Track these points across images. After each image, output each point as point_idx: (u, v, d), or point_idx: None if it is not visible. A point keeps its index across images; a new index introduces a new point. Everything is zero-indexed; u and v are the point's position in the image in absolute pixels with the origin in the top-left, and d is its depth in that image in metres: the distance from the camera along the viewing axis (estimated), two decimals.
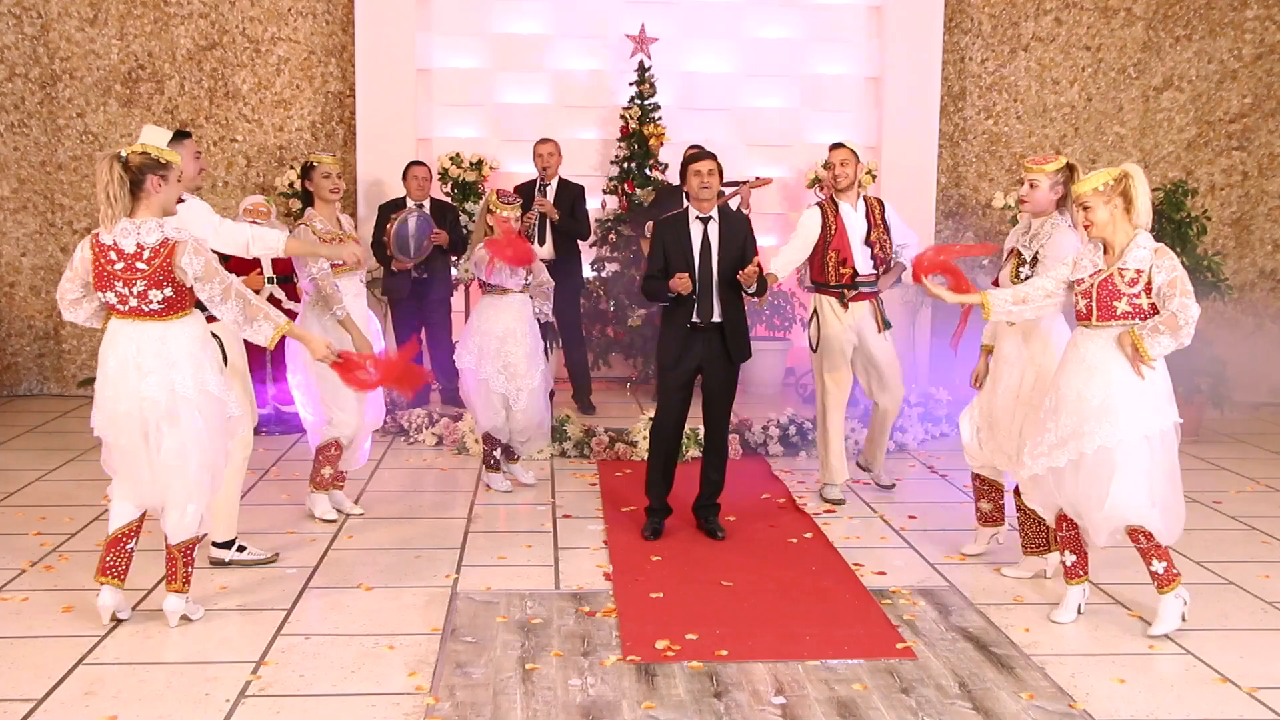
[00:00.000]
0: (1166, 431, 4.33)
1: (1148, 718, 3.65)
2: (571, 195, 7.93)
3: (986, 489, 5.24)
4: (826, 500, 6.23)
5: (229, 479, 4.80)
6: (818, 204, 6.19)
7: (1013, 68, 9.60)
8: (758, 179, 8.19)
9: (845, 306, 6.11)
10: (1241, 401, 8.45)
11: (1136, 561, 5.14)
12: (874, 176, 8.93)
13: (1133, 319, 4.24)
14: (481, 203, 6.48)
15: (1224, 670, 4.01)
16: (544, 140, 7.96)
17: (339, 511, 5.90)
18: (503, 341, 6.15)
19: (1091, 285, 4.30)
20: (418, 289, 7.92)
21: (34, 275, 9.19)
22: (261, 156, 9.18)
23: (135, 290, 4.10)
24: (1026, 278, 4.79)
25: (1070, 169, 4.84)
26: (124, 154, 4.10)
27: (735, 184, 8.30)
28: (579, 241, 8.04)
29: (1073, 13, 9.55)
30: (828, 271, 6.09)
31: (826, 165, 6.18)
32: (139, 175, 4.11)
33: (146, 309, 4.14)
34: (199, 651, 4.07)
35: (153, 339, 4.16)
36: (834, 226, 6.06)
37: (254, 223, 7.65)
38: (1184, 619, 4.35)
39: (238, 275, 7.53)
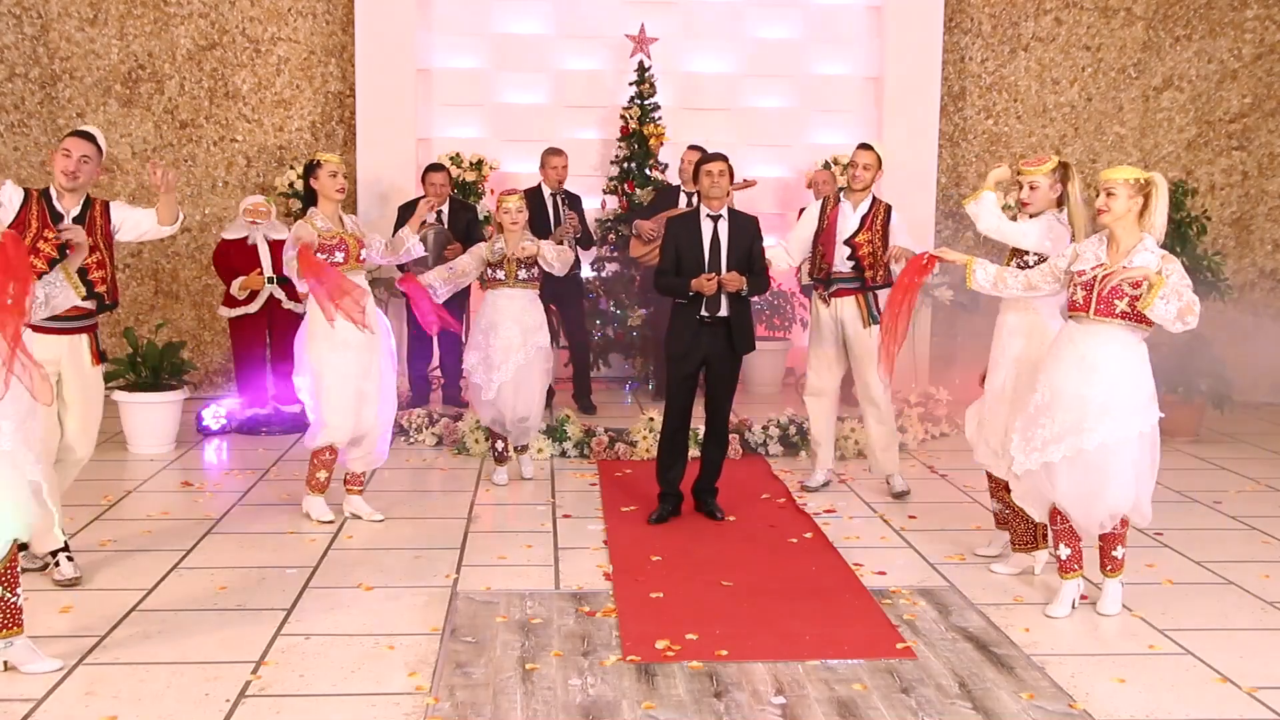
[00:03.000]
0: (1155, 426, 4.43)
1: (1148, 718, 3.65)
2: (573, 205, 7.99)
3: (996, 487, 5.21)
4: (806, 489, 6.44)
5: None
6: (824, 198, 6.37)
7: (1013, 68, 9.60)
8: (744, 180, 8.19)
9: (826, 302, 6.24)
10: (1241, 401, 8.45)
11: (1137, 561, 5.13)
12: None
13: (1132, 319, 4.29)
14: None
15: (1224, 670, 4.01)
16: (558, 153, 8.00)
17: (356, 517, 5.79)
18: (485, 334, 6.31)
19: (1094, 278, 4.34)
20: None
21: None
22: (261, 156, 9.18)
23: None
24: None
25: (1064, 166, 4.97)
26: None
27: None
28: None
29: (1073, 13, 9.55)
30: (815, 265, 6.29)
31: (850, 162, 6.24)
32: None
33: None
34: (199, 651, 4.07)
35: None
36: (827, 221, 6.19)
37: (253, 223, 7.71)
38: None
39: (240, 274, 7.66)
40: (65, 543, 4.84)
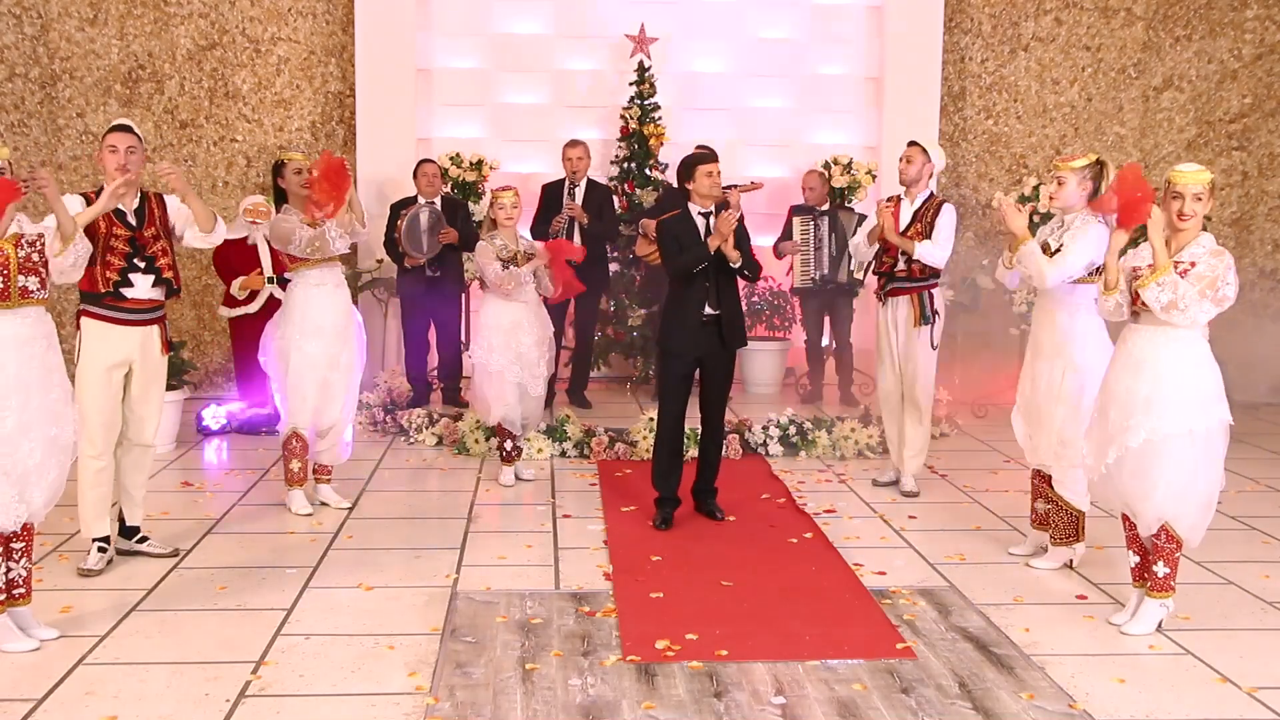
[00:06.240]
0: (1213, 429, 4.20)
1: (1148, 718, 3.65)
2: (600, 197, 8.05)
3: (1044, 483, 5.16)
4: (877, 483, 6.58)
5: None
6: (890, 196, 6.38)
7: (1013, 68, 9.60)
8: (751, 183, 8.19)
9: (882, 301, 6.24)
10: (1241, 401, 8.43)
11: None
12: (874, 176, 8.93)
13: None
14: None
15: (1224, 670, 4.01)
16: (574, 143, 8.05)
17: (324, 505, 5.97)
18: (511, 333, 6.33)
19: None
20: (431, 286, 7.93)
21: None
22: (261, 156, 9.18)
23: None
24: None
25: (1100, 164, 4.92)
26: None
27: (726, 187, 8.30)
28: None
29: (1073, 13, 9.55)
30: (878, 262, 6.26)
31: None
32: None
33: None
34: (199, 651, 4.07)
35: None
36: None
37: (254, 223, 7.71)
38: (1160, 628, 4.34)
39: (240, 274, 7.65)
40: (107, 535, 4.95)
